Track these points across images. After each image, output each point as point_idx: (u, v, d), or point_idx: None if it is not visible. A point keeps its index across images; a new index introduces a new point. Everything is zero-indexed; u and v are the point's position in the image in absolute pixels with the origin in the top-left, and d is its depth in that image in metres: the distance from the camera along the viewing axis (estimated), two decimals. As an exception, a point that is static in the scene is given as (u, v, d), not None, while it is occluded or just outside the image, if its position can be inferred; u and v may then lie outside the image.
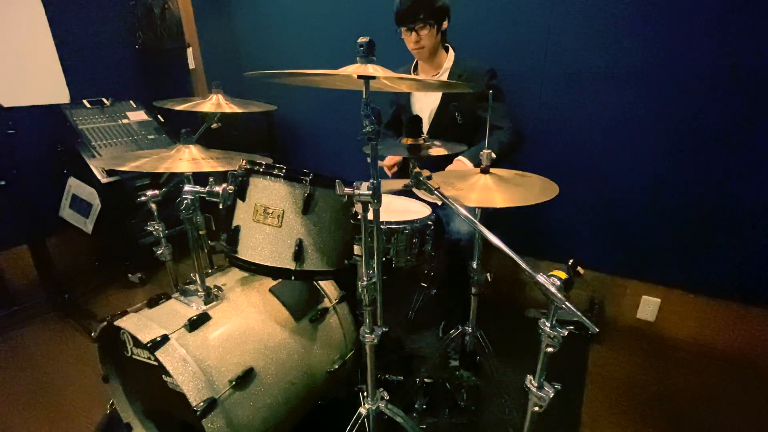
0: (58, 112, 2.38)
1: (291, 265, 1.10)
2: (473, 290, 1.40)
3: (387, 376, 1.63)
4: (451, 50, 1.81)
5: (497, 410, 1.57)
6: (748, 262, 1.77)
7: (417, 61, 1.86)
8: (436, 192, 1.05)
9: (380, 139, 0.95)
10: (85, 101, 2.50)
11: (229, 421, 1.08)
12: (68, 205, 2.45)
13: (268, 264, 1.10)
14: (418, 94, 1.90)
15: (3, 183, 2.08)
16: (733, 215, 1.74)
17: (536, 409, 0.87)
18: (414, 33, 1.64)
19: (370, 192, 0.94)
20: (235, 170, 1.13)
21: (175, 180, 1.53)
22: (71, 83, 2.13)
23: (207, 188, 1.16)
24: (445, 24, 1.69)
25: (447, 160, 1.64)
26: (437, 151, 1.32)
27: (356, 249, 1.24)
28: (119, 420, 1.36)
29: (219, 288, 1.34)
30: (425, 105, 1.86)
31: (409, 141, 1.35)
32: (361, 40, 0.89)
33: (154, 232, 1.51)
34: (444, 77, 1.78)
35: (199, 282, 1.27)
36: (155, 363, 1.06)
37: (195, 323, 1.16)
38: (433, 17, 1.62)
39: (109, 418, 1.53)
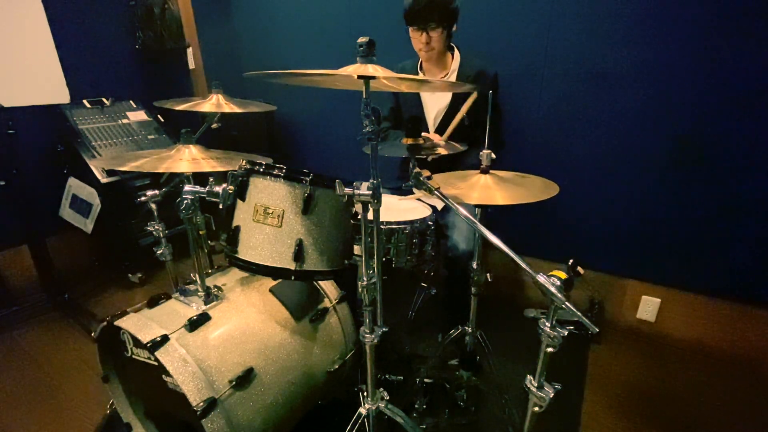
0: (58, 112, 2.38)
1: (291, 265, 1.10)
2: (473, 290, 1.40)
3: (387, 376, 1.63)
4: (456, 51, 1.78)
5: (497, 410, 1.57)
6: (748, 262, 1.77)
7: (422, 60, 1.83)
8: (436, 192, 1.05)
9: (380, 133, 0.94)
10: (85, 101, 2.51)
11: (229, 421, 1.08)
12: (68, 205, 2.45)
13: (268, 264, 1.10)
14: (426, 93, 1.86)
15: (3, 183, 2.09)
16: (734, 215, 1.74)
17: (536, 409, 0.87)
18: (425, 34, 1.60)
19: (370, 192, 0.94)
20: (235, 170, 1.13)
21: (175, 180, 1.52)
22: (71, 83, 2.14)
23: (207, 188, 1.16)
24: (454, 26, 1.65)
25: (449, 159, 1.63)
26: (441, 151, 1.32)
27: (356, 249, 1.24)
28: (119, 420, 1.36)
29: (219, 288, 1.34)
30: (433, 104, 1.83)
31: (409, 141, 1.35)
32: (361, 40, 0.89)
33: (154, 232, 1.50)
34: (452, 78, 1.75)
35: (199, 282, 1.27)
36: (155, 363, 1.06)
37: (195, 323, 1.16)
38: (446, 19, 1.59)
39: (109, 418, 1.53)
